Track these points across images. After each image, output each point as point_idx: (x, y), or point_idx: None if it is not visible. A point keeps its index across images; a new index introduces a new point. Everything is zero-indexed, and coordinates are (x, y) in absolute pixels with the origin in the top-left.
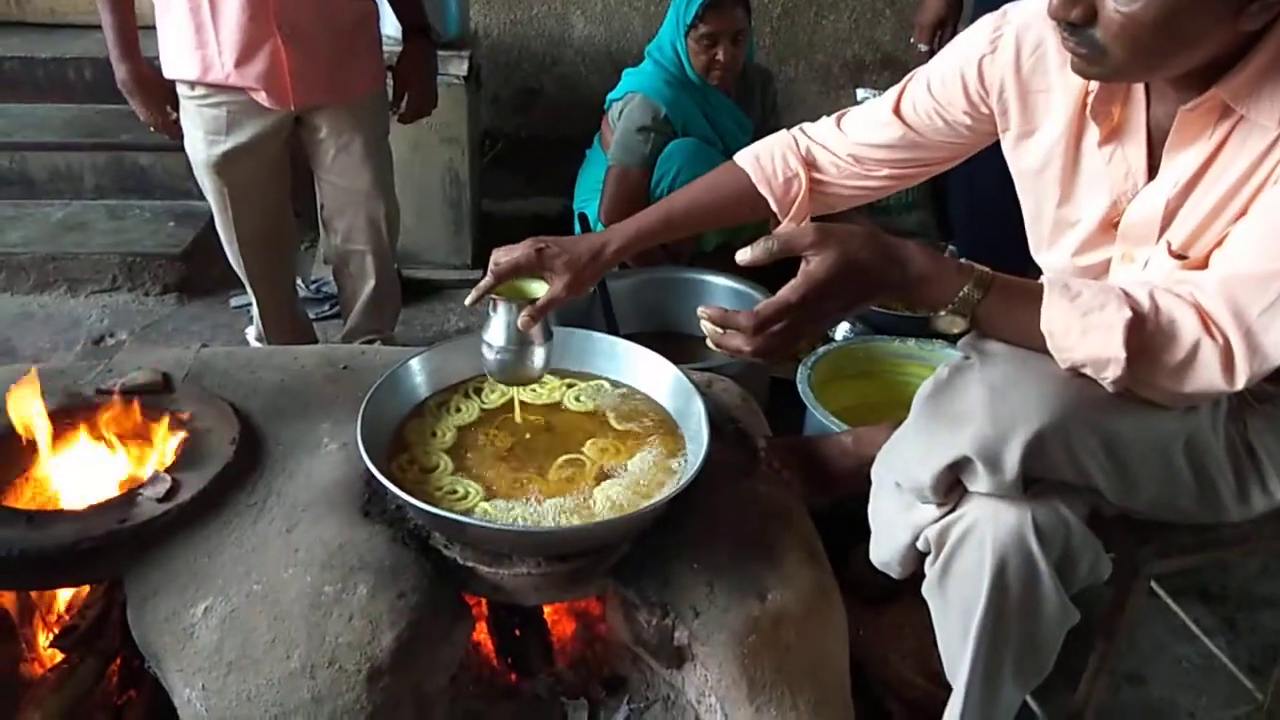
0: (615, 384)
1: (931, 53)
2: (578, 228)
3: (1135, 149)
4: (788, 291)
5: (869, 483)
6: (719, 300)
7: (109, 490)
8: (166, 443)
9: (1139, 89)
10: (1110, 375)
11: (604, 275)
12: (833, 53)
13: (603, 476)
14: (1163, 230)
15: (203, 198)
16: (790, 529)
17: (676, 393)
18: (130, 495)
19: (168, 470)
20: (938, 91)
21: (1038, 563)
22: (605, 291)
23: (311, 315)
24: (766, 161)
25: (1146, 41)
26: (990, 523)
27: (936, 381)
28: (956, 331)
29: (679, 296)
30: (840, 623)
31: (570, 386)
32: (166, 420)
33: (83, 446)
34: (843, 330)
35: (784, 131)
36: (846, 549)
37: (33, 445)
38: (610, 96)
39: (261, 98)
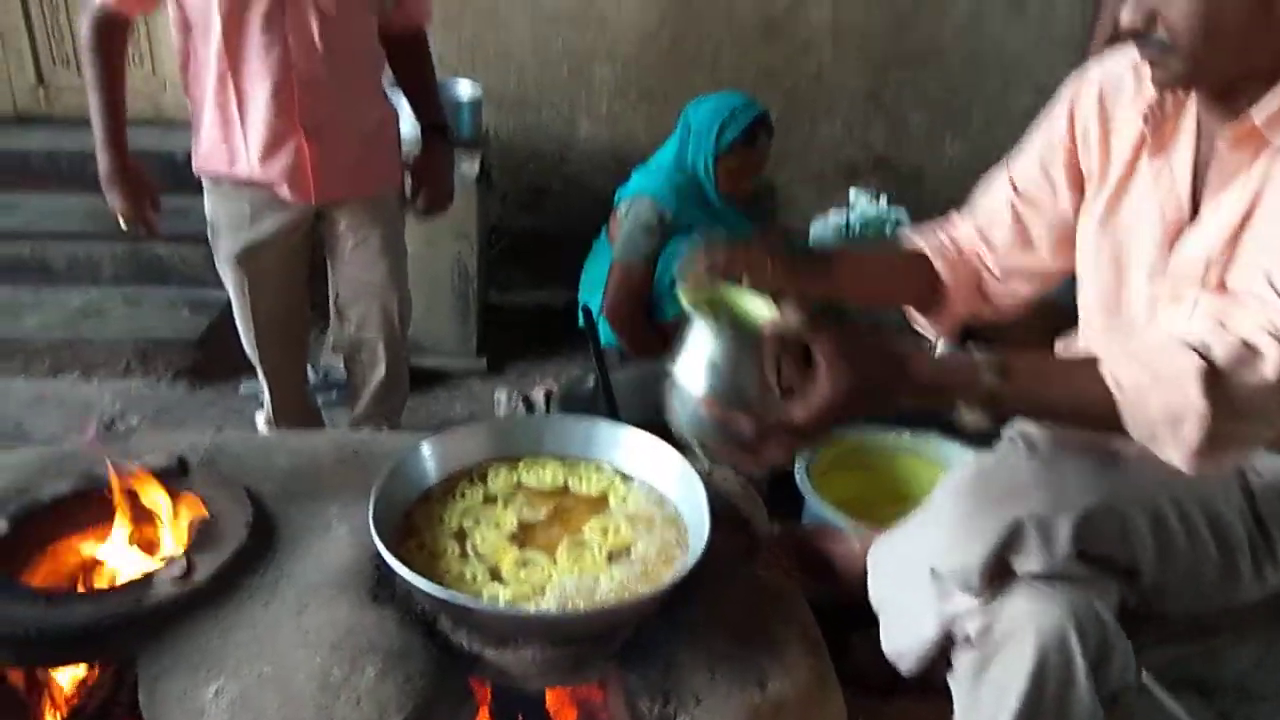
0: (619, 469)
1: None
2: (581, 319)
3: (1182, 170)
4: (798, 410)
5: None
6: None
7: (126, 571)
8: (182, 525)
9: (1191, 117)
10: (1190, 433)
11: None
12: (827, 156)
13: (608, 561)
14: (1207, 273)
15: (218, 286)
16: (791, 618)
17: (679, 479)
18: (147, 577)
19: (184, 552)
20: (1041, 148)
21: (1076, 661)
22: (608, 382)
23: (319, 402)
24: (933, 239)
25: (1198, 32)
26: (1034, 617)
27: (978, 467)
28: (984, 427)
29: None
30: (840, 714)
31: (574, 470)
32: (182, 503)
33: (101, 527)
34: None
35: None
36: (846, 638)
37: (52, 525)
38: (620, 193)
39: (284, 192)
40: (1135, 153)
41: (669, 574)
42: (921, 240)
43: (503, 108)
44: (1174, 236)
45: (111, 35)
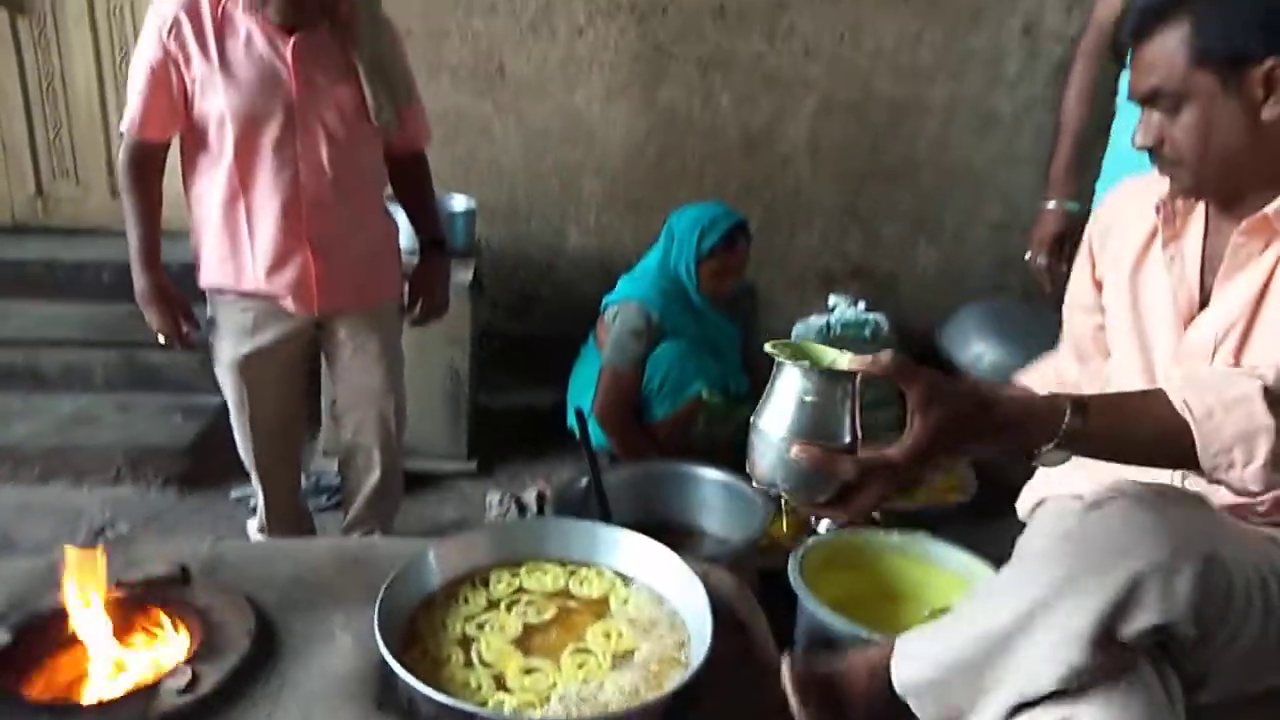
0: (619, 572)
1: (1049, 267)
2: (572, 420)
3: (1192, 260)
4: (894, 451)
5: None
6: (711, 494)
7: (130, 682)
8: (185, 635)
9: (1200, 210)
10: (1261, 450)
11: (600, 472)
12: (806, 264)
13: (612, 666)
14: (1215, 352)
15: (210, 392)
16: None
17: (679, 581)
18: (151, 687)
19: (187, 662)
20: (1078, 275)
21: None
22: (600, 483)
23: (310, 507)
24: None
25: (1198, 145)
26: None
27: (1061, 530)
28: (1062, 464)
29: (671, 489)
30: None
31: (575, 574)
32: (185, 612)
33: (104, 638)
34: (825, 523)
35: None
36: None
37: (54, 636)
38: (607, 300)
39: (288, 304)
40: (1148, 241)
41: (673, 679)
42: (1030, 380)
43: (495, 219)
44: (1187, 321)
45: (147, 164)
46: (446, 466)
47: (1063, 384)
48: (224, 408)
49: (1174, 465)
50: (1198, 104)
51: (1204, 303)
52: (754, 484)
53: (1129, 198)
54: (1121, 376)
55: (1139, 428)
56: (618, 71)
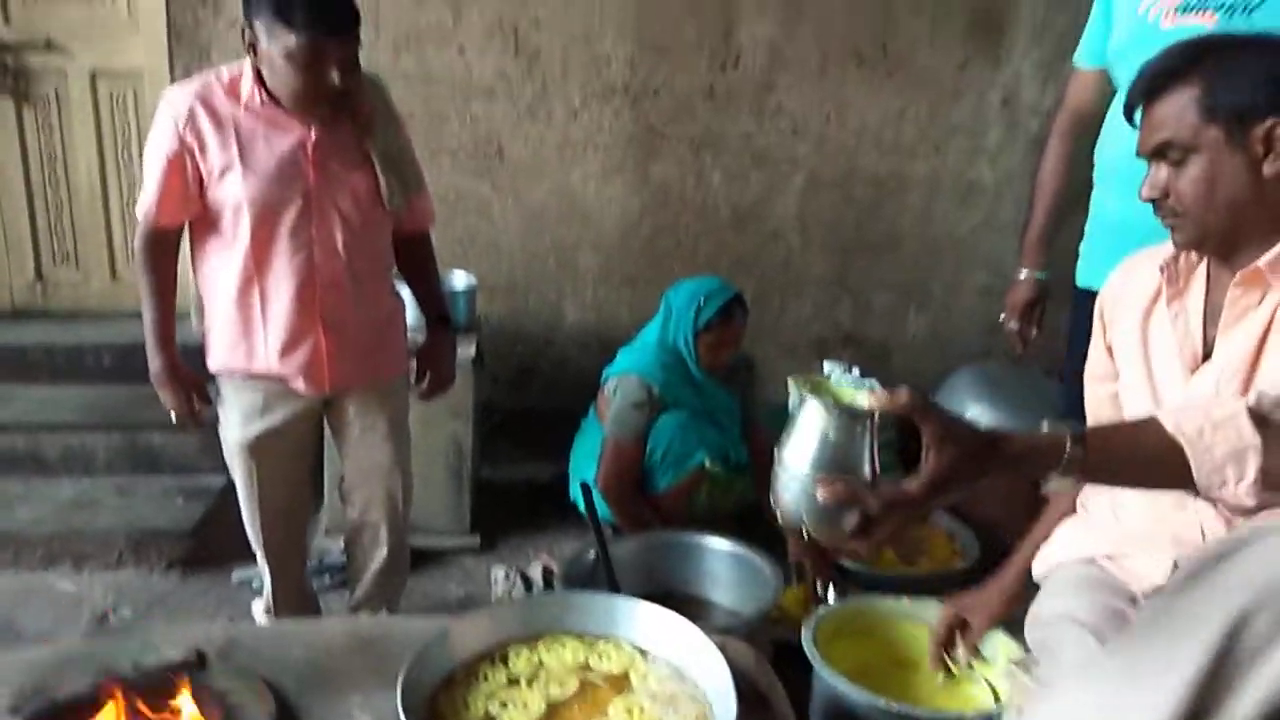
0: (637, 645)
1: (1021, 332)
2: (576, 491)
3: (1195, 315)
4: (911, 485)
5: None
6: (717, 563)
7: None
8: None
9: (1203, 268)
10: (1251, 466)
11: (606, 544)
12: (799, 333)
13: None
14: (1216, 395)
15: (211, 473)
16: None
17: (698, 655)
18: None
19: None
20: (1093, 347)
21: None
22: (607, 555)
23: (314, 586)
24: None
25: (1203, 197)
26: None
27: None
28: (1069, 491)
29: (677, 559)
30: None
31: (594, 648)
32: (205, 697)
33: None
34: (833, 592)
35: None
36: None
37: None
38: (607, 373)
39: (299, 384)
40: (1153, 301)
41: None
42: None
43: (494, 295)
44: (1192, 371)
45: (162, 248)
46: (449, 542)
47: None
48: (225, 489)
49: (1173, 487)
50: (1205, 156)
51: (1207, 354)
52: (778, 515)
53: (1135, 268)
54: None
55: (1137, 453)
56: (612, 152)
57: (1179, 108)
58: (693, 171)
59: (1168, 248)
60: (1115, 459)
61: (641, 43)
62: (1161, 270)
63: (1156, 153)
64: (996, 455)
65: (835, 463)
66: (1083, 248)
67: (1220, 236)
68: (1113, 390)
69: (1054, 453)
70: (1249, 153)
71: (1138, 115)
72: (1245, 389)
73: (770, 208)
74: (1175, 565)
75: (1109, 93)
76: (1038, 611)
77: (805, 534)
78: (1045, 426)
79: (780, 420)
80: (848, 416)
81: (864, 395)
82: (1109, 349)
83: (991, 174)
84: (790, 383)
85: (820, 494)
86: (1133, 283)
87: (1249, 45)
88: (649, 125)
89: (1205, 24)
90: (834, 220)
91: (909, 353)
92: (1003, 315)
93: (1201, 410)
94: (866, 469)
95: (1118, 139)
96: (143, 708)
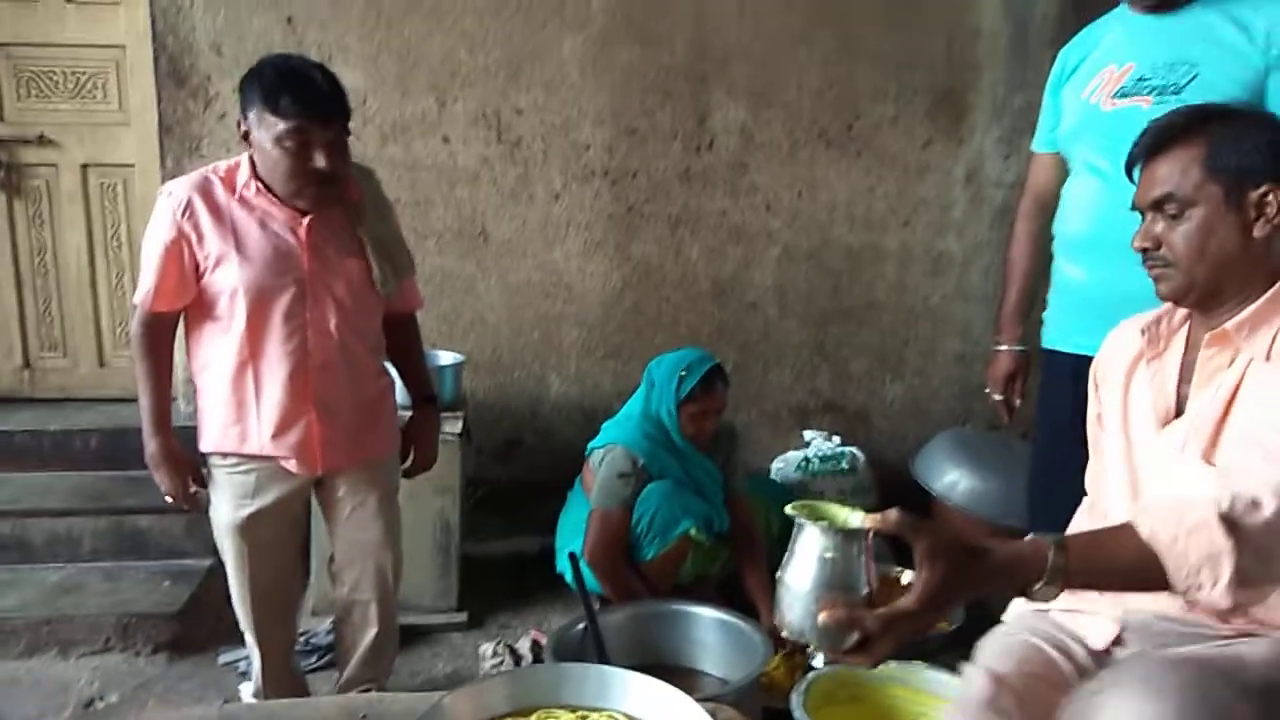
0: (631, 716)
1: (1005, 402)
2: (563, 564)
3: (1171, 373)
4: (908, 603)
5: None
6: (705, 632)
7: None
8: None
9: (1183, 333)
10: (1225, 570)
11: (595, 615)
12: (780, 401)
13: None
14: (1183, 451)
15: (198, 556)
16: None
17: None
18: None
19: None
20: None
21: None
22: (596, 626)
23: (301, 667)
24: None
25: (1195, 250)
26: None
27: None
28: (1052, 601)
29: (666, 628)
30: None
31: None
32: None
33: None
34: (820, 658)
35: None
36: None
37: None
38: (591, 445)
39: (291, 465)
40: (1135, 361)
41: None
42: None
43: (479, 371)
44: (1163, 425)
45: (159, 333)
46: (436, 619)
47: None
48: (211, 571)
49: (1151, 589)
50: (1202, 212)
51: (1180, 410)
52: (784, 634)
53: (1121, 333)
54: (1110, 489)
55: (1116, 561)
56: (593, 230)
57: (1183, 164)
58: (671, 247)
59: (1150, 314)
60: (1096, 567)
61: (619, 129)
62: (1143, 333)
63: (1154, 205)
64: (985, 568)
65: (834, 581)
66: (1046, 314)
67: (1204, 289)
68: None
69: (1037, 563)
70: (1243, 214)
71: (1136, 172)
72: (1212, 447)
73: (748, 279)
74: (1121, 628)
75: (1065, 173)
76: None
77: (815, 646)
78: (1030, 537)
79: (761, 487)
80: (843, 537)
81: (857, 516)
82: (1099, 417)
83: (959, 245)
84: (789, 510)
85: (821, 617)
86: (1119, 345)
87: (1250, 117)
88: (628, 205)
89: (1141, 105)
90: (810, 290)
91: (888, 418)
92: (987, 388)
93: (1175, 516)
94: (863, 584)
95: (1072, 213)
96: None
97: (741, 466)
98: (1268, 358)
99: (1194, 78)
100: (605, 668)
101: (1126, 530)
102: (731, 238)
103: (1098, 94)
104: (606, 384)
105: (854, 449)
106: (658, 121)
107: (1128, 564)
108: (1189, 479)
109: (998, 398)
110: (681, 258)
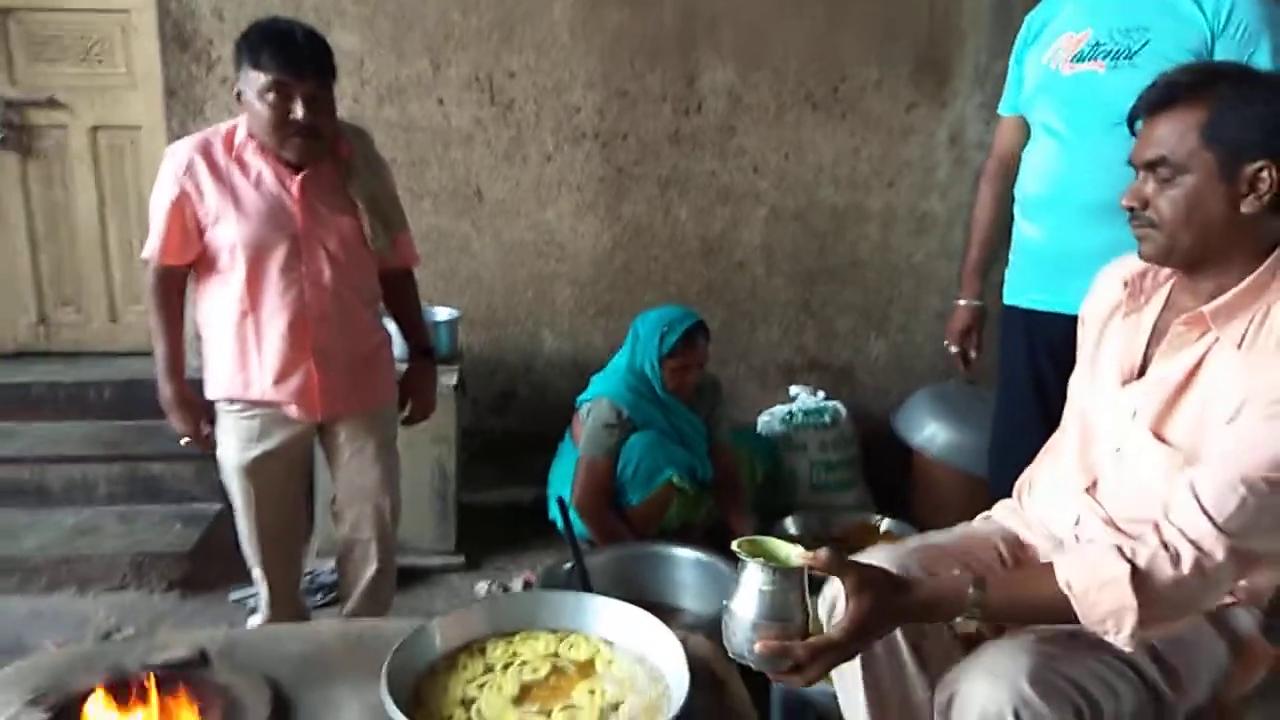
0: (604, 638)
1: (962, 354)
2: (554, 510)
3: (1143, 331)
4: (836, 633)
5: None
6: (685, 572)
7: None
8: (209, 709)
9: (1164, 292)
10: (1128, 624)
11: (582, 555)
12: (767, 357)
13: (600, 717)
14: (1134, 418)
15: (207, 500)
16: None
17: (658, 643)
18: None
19: None
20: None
21: None
22: (583, 564)
23: (307, 605)
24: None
25: (1181, 216)
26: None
27: None
28: (973, 630)
29: (649, 568)
30: None
31: (564, 640)
32: (208, 689)
33: (135, 715)
34: None
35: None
36: None
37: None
38: (580, 398)
39: (292, 410)
40: (1114, 310)
41: None
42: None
43: (475, 327)
44: (1124, 384)
45: (169, 286)
46: (435, 561)
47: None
48: (220, 515)
49: (1063, 623)
50: (1193, 179)
51: (1144, 371)
52: (728, 655)
53: (1106, 279)
54: (1067, 435)
55: (1035, 598)
56: (585, 191)
57: (1182, 128)
58: (661, 207)
59: (1138, 266)
60: (1014, 605)
61: (609, 91)
62: (1125, 284)
63: (1147, 165)
64: (909, 601)
65: (772, 612)
66: (1007, 271)
67: (1186, 255)
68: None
69: (959, 600)
70: (1234, 187)
71: (1139, 124)
72: (1162, 420)
73: (735, 239)
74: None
75: (1029, 136)
76: None
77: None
78: (955, 573)
79: (747, 440)
80: (780, 574)
81: (796, 553)
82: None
83: (942, 205)
84: (734, 547)
85: (758, 648)
86: (1103, 291)
87: (1261, 83)
88: (618, 166)
89: (1097, 70)
90: (796, 250)
91: (871, 374)
92: (945, 341)
93: (1090, 569)
94: (798, 614)
95: (1029, 175)
96: (153, 697)
97: (725, 419)
98: (1239, 345)
99: (1146, 43)
100: (581, 594)
101: (1046, 571)
102: (720, 198)
103: (1056, 59)
104: (598, 340)
105: (836, 403)
106: (647, 84)
107: (1044, 603)
108: (1135, 451)
109: (954, 350)
110: (671, 218)
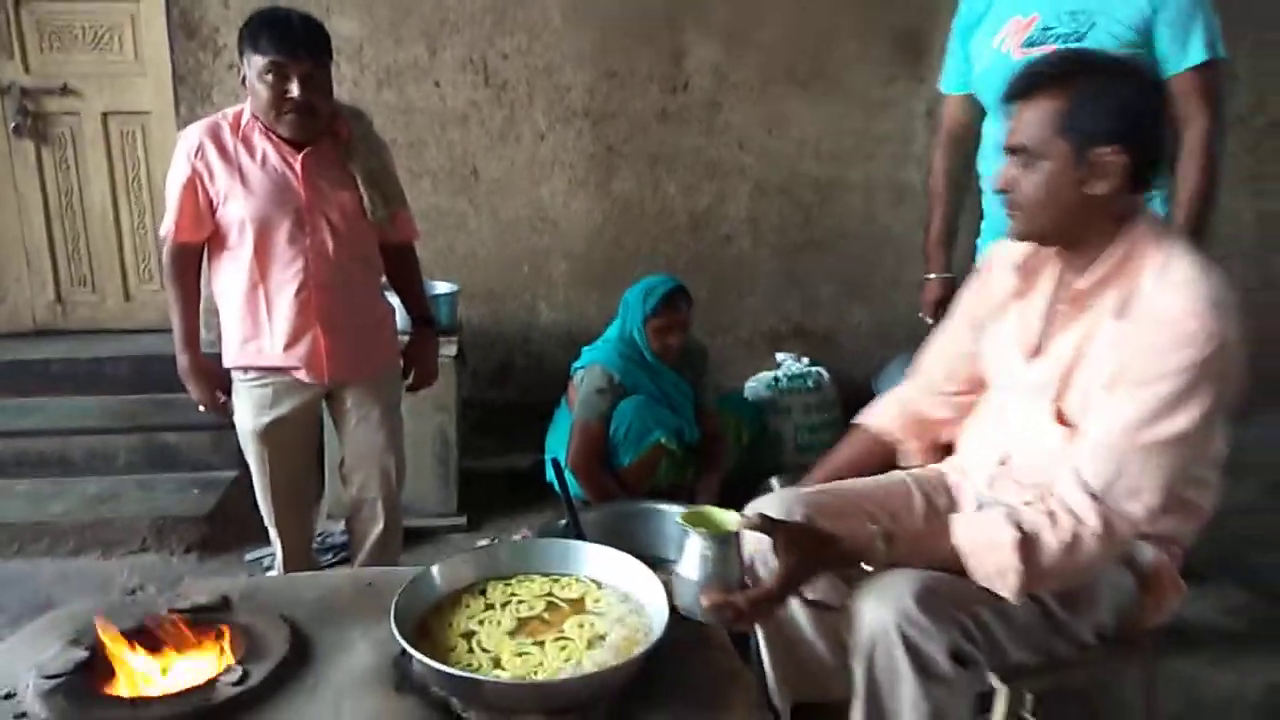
0: (594, 579)
1: (936, 326)
2: (550, 471)
3: (1037, 313)
4: (770, 585)
5: None
6: (675, 529)
7: (192, 680)
8: (233, 644)
9: (1053, 274)
10: (1011, 583)
11: (576, 511)
12: (753, 326)
13: (588, 647)
14: (1040, 395)
15: (223, 468)
16: (738, 686)
17: (643, 583)
18: (210, 682)
19: (238, 663)
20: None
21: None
22: (577, 520)
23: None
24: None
25: (1040, 199)
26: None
27: None
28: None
29: (639, 523)
30: None
31: (557, 582)
32: (230, 628)
33: (167, 651)
34: None
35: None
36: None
37: (127, 652)
38: (574, 366)
39: (302, 375)
40: (1008, 297)
41: (640, 649)
42: (873, 422)
43: (473, 300)
44: (1030, 358)
45: (185, 262)
46: (439, 522)
47: (914, 417)
48: (236, 481)
49: (958, 575)
50: (1050, 165)
51: (1042, 348)
52: (681, 614)
53: (1001, 259)
54: (982, 408)
55: (933, 553)
56: (577, 169)
57: (1041, 117)
58: (650, 183)
59: (1024, 250)
60: (916, 556)
61: (599, 71)
62: (1015, 270)
63: (1014, 150)
64: (830, 553)
65: (713, 573)
66: (978, 240)
67: (1051, 236)
68: (963, 351)
69: (871, 550)
70: (1084, 171)
71: (1013, 109)
72: (1060, 396)
73: (722, 212)
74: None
75: (975, 113)
76: None
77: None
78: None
79: (735, 405)
80: (718, 540)
81: (732, 519)
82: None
83: (920, 177)
84: (677, 520)
85: (703, 602)
86: (1000, 272)
87: (1116, 73)
88: (609, 145)
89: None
90: (780, 222)
91: (853, 340)
92: (920, 313)
93: (983, 533)
94: (736, 571)
95: (991, 154)
96: (184, 634)
97: (712, 384)
98: (1116, 316)
99: (1093, 25)
100: (571, 541)
101: (944, 532)
102: (706, 174)
103: (1008, 43)
104: (592, 311)
105: (820, 369)
106: (636, 64)
107: (941, 557)
108: (1037, 425)
109: (930, 321)
110: (660, 193)
